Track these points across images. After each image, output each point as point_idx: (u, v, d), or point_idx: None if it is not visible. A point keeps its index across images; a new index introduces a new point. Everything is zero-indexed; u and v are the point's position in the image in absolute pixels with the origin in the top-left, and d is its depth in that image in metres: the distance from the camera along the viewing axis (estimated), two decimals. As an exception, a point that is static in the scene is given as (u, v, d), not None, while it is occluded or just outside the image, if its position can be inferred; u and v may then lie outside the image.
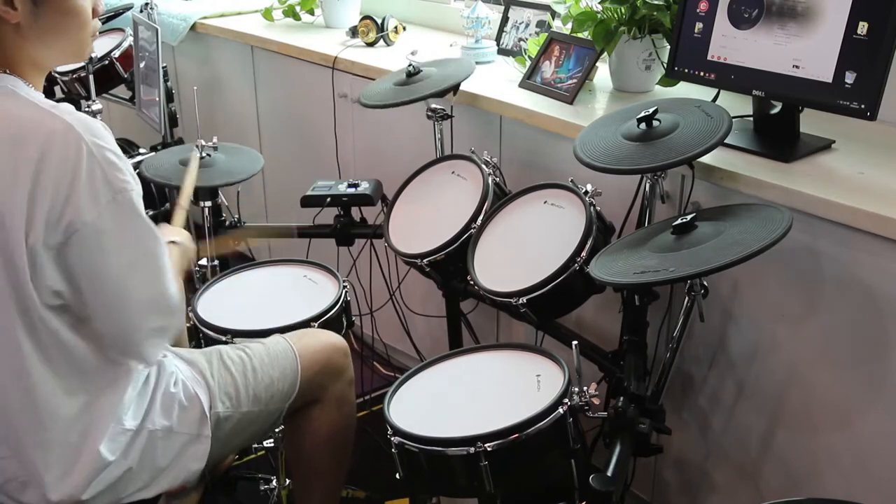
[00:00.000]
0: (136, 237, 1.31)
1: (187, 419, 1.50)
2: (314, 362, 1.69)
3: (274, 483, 2.04)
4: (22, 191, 1.20)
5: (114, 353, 1.39)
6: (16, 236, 1.22)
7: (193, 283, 2.29)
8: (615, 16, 2.00)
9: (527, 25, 2.48)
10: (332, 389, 1.73)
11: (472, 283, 1.79)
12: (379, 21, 2.69)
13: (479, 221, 1.85)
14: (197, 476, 1.56)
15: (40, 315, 1.29)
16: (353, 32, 2.77)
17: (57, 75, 3.07)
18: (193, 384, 1.54)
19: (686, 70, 1.85)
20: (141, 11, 2.97)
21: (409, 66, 2.14)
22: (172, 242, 1.68)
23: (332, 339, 1.77)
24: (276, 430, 1.90)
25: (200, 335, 1.86)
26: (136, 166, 2.51)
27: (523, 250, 1.78)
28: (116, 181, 1.25)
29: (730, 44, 1.76)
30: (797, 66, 1.66)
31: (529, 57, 2.26)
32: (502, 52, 2.50)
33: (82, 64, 2.85)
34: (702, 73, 1.82)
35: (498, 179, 1.97)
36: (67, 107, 1.26)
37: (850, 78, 1.58)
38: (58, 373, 1.34)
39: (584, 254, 1.64)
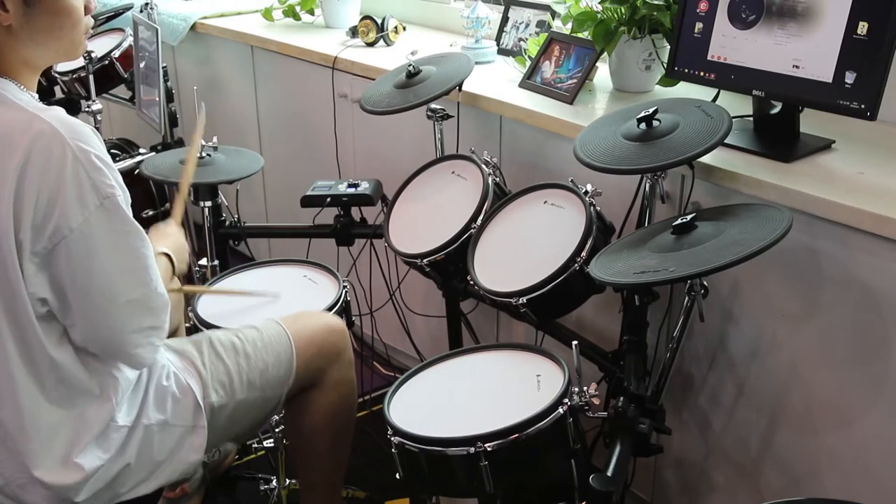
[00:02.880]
0: (124, 241, 1.30)
1: (182, 411, 1.50)
2: (310, 345, 1.68)
3: (274, 483, 2.05)
4: (8, 195, 1.20)
5: (105, 358, 1.38)
6: (6, 242, 1.22)
7: (193, 282, 2.29)
8: (615, 16, 2.00)
9: (527, 25, 2.48)
10: (331, 372, 1.72)
11: (472, 283, 1.79)
12: (379, 21, 2.69)
13: (479, 221, 1.85)
14: (196, 467, 1.56)
15: (31, 324, 1.28)
16: (353, 32, 2.77)
17: (57, 75, 3.07)
18: (185, 375, 1.53)
19: (686, 70, 1.85)
20: (141, 11, 2.97)
21: (410, 66, 2.14)
22: (163, 254, 1.67)
23: (328, 319, 1.76)
24: (277, 416, 1.89)
25: (200, 335, 1.86)
26: (136, 166, 2.54)
27: (523, 250, 1.78)
28: (103, 186, 1.24)
29: (730, 44, 1.76)
30: (797, 66, 1.66)
31: (529, 57, 2.26)
32: (502, 52, 2.50)
33: (82, 64, 2.86)
34: (702, 73, 1.82)
35: (498, 179, 1.97)
36: (56, 110, 1.26)
37: (850, 78, 1.58)
38: (42, 383, 1.33)
39: (584, 254, 1.64)
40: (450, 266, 1.89)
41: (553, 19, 2.39)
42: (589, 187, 1.73)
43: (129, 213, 1.30)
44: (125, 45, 2.98)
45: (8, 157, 1.20)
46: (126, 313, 1.33)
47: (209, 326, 1.83)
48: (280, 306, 1.94)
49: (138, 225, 1.32)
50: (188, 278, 2.64)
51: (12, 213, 1.21)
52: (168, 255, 1.69)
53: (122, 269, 1.31)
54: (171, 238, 1.76)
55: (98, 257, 1.27)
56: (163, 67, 2.74)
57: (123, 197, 1.29)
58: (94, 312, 1.31)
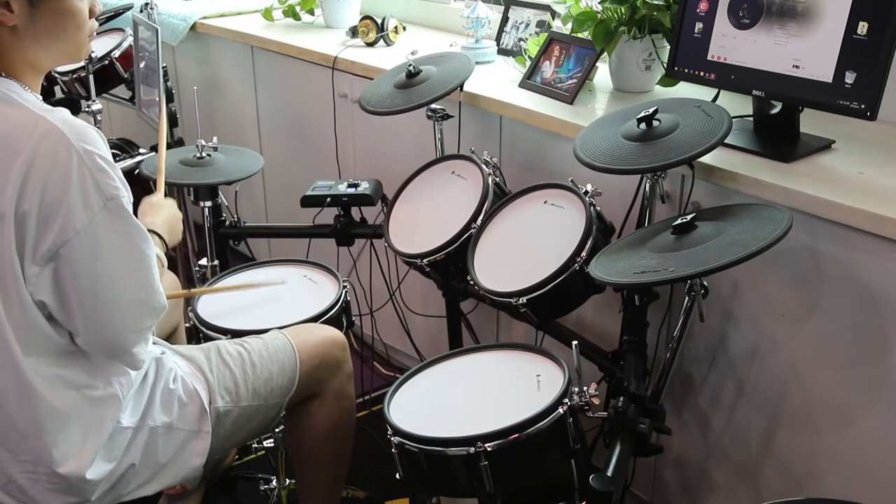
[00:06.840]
0: (128, 242, 1.30)
1: (187, 415, 1.51)
2: (312, 356, 1.69)
3: (274, 483, 2.05)
4: (10, 196, 1.20)
5: (106, 359, 1.39)
6: (6, 242, 1.22)
7: (193, 282, 2.29)
8: (615, 16, 2.00)
9: (527, 25, 2.48)
10: (331, 383, 1.73)
11: (472, 283, 1.79)
12: (379, 21, 2.69)
13: (479, 221, 1.85)
14: (198, 472, 1.56)
15: (32, 319, 1.28)
16: (353, 32, 2.77)
17: (57, 75, 3.07)
18: (192, 380, 1.54)
19: (686, 70, 1.85)
20: (141, 11, 2.97)
21: (410, 66, 2.14)
22: (153, 233, 1.66)
23: (330, 333, 1.77)
24: (277, 430, 1.90)
25: (200, 335, 1.86)
26: (136, 166, 2.54)
27: (523, 250, 1.78)
28: (108, 188, 1.24)
29: (730, 44, 1.76)
30: (797, 66, 1.66)
31: (529, 57, 2.26)
32: (502, 52, 2.50)
33: (82, 64, 2.85)
34: (702, 73, 1.82)
35: (498, 179, 1.97)
36: (61, 111, 1.26)
37: (850, 78, 1.58)
38: (48, 383, 1.33)
39: (584, 254, 1.64)
40: (450, 266, 1.89)
41: (553, 19, 2.39)
42: (589, 187, 1.73)
43: (132, 213, 1.30)
44: (125, 45, 2.97)
45: (13, 157, 1.20)
46: (129, 314, 1.33)
47: (209, 326, 1.84)
48: (280, 306, 1.94)
49: (141, 225, 1.32)
50: (188, 278, 2.64)
51: (14, 214, 1.21)
52: (159, 236, 1.68)
53: (127, 270, 1.31)
54: (163, 210, 1.75)
55: (103, 258, 1.27)
56: (163, 67, 2.74)
57: (127, 197, 1.29)
58: (99, 314, 1.30)
